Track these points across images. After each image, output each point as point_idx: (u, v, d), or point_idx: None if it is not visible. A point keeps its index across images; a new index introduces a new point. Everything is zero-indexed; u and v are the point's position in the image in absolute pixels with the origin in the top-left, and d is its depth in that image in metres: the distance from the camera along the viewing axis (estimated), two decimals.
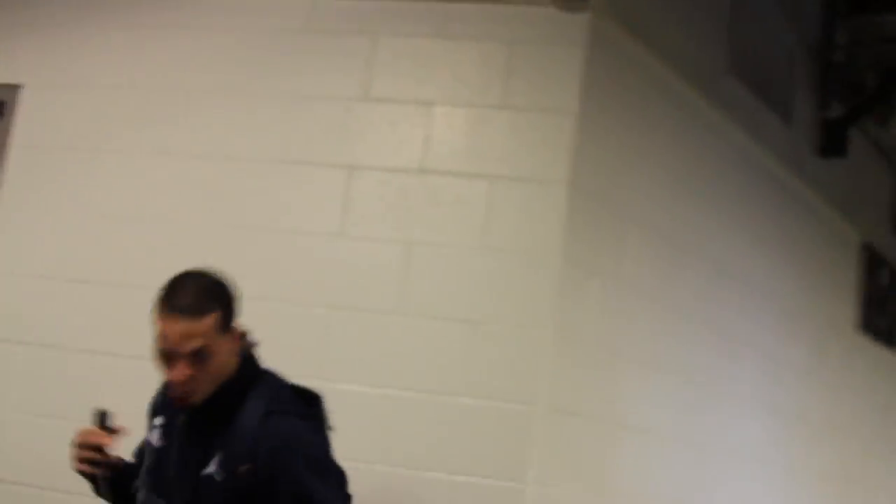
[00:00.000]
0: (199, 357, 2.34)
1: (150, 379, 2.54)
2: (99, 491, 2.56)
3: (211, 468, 2.41)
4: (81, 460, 2.48)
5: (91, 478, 2.53)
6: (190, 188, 3.56)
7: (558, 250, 3.23)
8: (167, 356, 2.36)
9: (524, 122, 3.33)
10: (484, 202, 3.28)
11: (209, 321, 2.35)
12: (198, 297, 2.37)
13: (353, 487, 2.51)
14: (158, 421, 2.57)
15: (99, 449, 2.48)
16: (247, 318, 2.50)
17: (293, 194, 3.45)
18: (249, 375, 2.48)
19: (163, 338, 2.36)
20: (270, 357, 2.56)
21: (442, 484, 3.16)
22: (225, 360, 2.40)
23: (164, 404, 2.57)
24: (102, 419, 2.56)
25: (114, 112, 3.70)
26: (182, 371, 2.34)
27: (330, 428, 2.55)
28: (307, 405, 2.53)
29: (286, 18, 3.59)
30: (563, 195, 3.24)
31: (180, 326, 2.33)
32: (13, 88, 3.81)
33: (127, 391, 2.75)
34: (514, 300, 3.23)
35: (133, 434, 2.55)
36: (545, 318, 3.22)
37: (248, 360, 2.49)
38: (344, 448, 2.55)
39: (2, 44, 3.87)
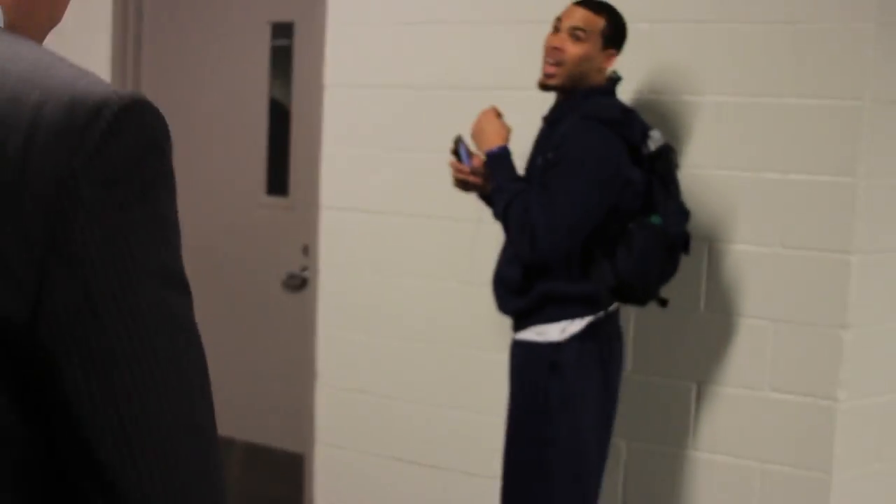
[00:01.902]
0: (574, 37, 2.89)
1: None
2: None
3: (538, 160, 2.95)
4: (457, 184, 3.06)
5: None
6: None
7: None
8: (555, 29, 2.95)
9: None
10: None
11: (597, 19, 2.92)
12: (598, 5, 2.95)
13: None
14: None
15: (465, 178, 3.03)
16: None
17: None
18: (599, 92, 2.94)
19: (561, 15, 2.96)
20: None
21: (778, 183, 3.23)
22: (590, 57, 2.90)
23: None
24: (456, 146, 2.88)
25: None
26: (558, 39, 2.91)
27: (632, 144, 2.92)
28: (620, 123, 2.89)
29: None
30: None
31: (575, 10, 2.95)
32: None
33: None
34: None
35: None
36: (868, 13, 3.13)
37: (606, 86, 2.98)
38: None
39: None
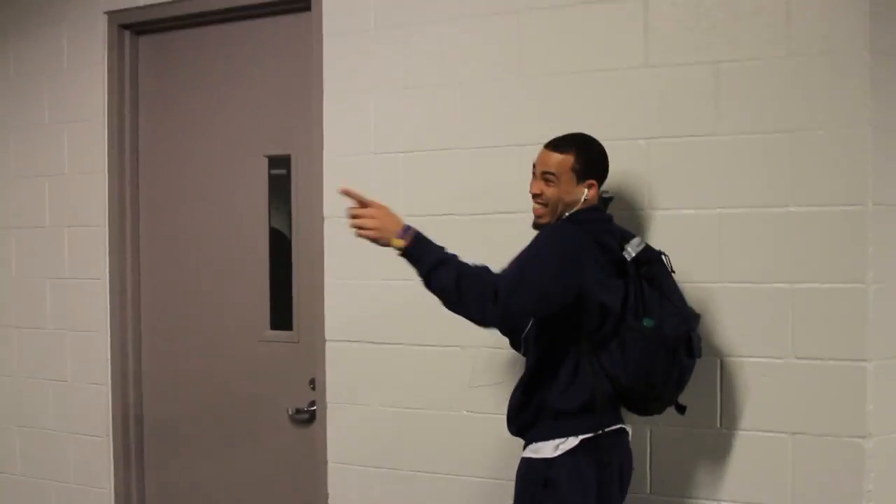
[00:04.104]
0: (547, 180, 2.99)
1: None
2: None
3: None
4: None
5: None
6: (493, 44, 3.66)
7: (864, 44, 3.13)
8: (533, 175, 3.06)
9: None
10: (784, 8, 3.22)
11: (565, 159, 3.00)
12: (565, 141, 3.04)
13: None
14: None
15: None
16: None
17: (592, 33, 3.49)
18: (583, 210, 3.00)
19: (535, 160, 3.07)
20: None
21: (787, 293, 3.20)
22: (566, 194, 2.97)
23: None
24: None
25: None
26: (535, 186, 3.03)
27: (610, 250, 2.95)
28: (586, 222, 2.95)
29: None
30: None
31: (544, 155, 3.04)
32: None
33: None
34: (826, 103, 3.16)
35: None
36: (862, 118, 3.15)
37: (590, 208, 3.02)
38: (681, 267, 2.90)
39: None
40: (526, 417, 3.01)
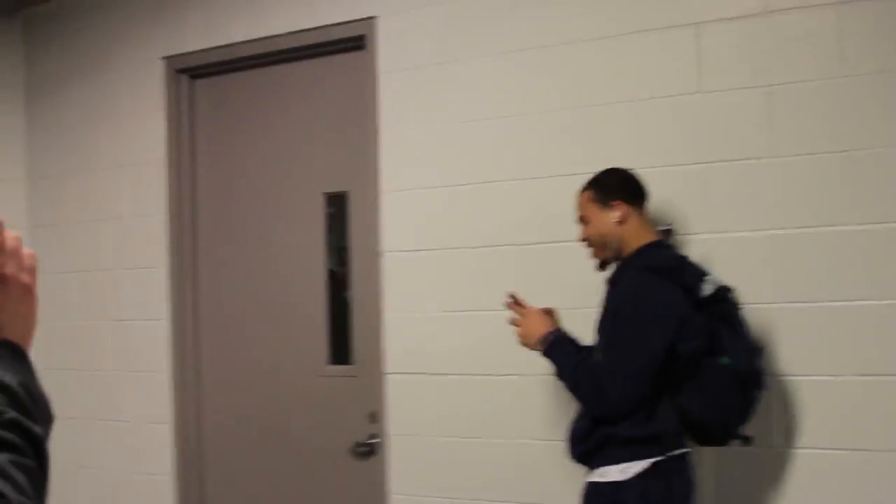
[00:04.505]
0: (582, 222, 3.16)
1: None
2: None
3: (604, 319, 3.03)
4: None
5: None
6: (546, 76, 3.72)
7: None
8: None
9: None
10: (834, 29, 3.26)
11: (584, 196, 3.16)
12: (587, 183, 3.18)
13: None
14: None
15: None
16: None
17: (645, 62, 3.54)
18: (651, 246, 3.07)
19: None
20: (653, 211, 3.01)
21: (845, 310, 3.21)
22: (601, 225, 3.10)
23: None
24: (512, 301, 2.92)
25: (462, 22, 3.90)
26: (580, 230, 3.18)
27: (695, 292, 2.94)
28: (671, 270, 2.95)
29: None
30: None
31: (576, 201, 3.20)
32: (370, 20, 4.09)
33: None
34: (878, 123, 3.18)
35: None
36: None
37: (651, 245, 3.08)
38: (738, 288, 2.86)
39: None
40: (591, 444, 3.03)
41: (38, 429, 1.06)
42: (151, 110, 4.67)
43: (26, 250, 1.19)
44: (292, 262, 4.43)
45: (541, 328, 3.11)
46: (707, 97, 3.42)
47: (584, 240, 3.16)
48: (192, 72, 4.64)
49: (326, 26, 4.22)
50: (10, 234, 1.17)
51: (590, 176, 3.18)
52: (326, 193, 4.34)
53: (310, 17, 4.25)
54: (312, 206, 4.36)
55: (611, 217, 3.08)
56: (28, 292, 1.19)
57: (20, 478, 1.00)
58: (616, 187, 3.12)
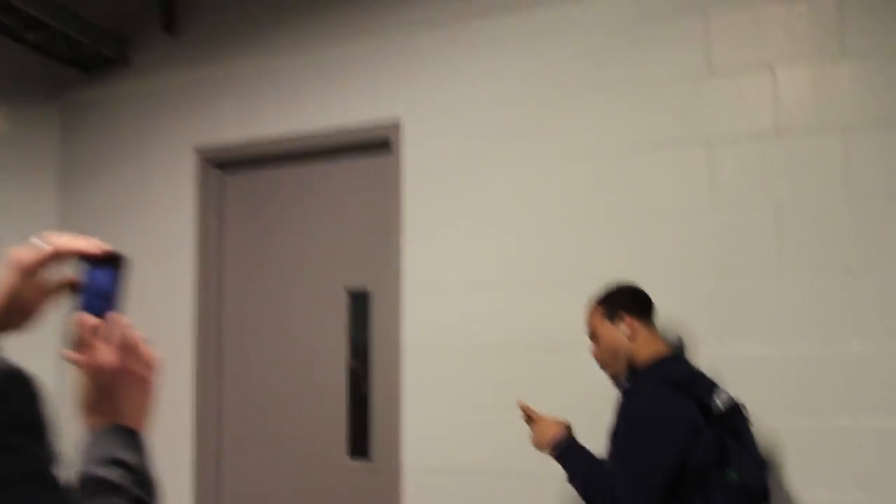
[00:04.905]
0: (593, 340, 3.25)
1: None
2: None
3: (618, 430, 3.06)
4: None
5: None
6: (565, 188, 3.83)
7: None
8: None
9: (867, 68, 3.37)
10: (841, 152, 3.35)
11: (593, 314, 3.26)
12: (596, 297, 3.28)
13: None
14: None
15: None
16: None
17: (661, 177, 3.65)
18: (666, 360, 3.12)
19: None
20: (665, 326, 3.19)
21: (849, 430, 3.28)
22: (611, 340, 3.20)
23: None
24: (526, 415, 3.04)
25: (485, 130, 4.02)
26: (591, 349, 3.26)
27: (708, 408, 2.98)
28: (687, 384, 3.01)
29: (621, 9, 3.80)
30: None
31: (585, 321, 3.30)
32: (396, 126, 4.22)
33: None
34: (883, 244, 3.28)
35: None
36: None
37: (667, 358, 3.15)
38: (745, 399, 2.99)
39: (380, 85, 4.29)
40: None
41: None
42: (181, 200, 4.78)
43: (150, 350, 1.34)
44: (314, 356, 4.51)
45: (553, 433, 3.19)
46: (719, 213, 3.51)
47: (595, 359, 3.25)
48: (223, 164, 4.76)
49: (354, 129, 4.33)
50: (134, 333, 1.30)
51: (605, 285, 3.26)
52: (349, 289, 4.43)
53: (340, 114, 4.37)
54: (335, 302, 4.45)
55: (620, 330, 3.18)
56: (147, 385, 1.32)
57: None
58: (622, 300, 3.22)
